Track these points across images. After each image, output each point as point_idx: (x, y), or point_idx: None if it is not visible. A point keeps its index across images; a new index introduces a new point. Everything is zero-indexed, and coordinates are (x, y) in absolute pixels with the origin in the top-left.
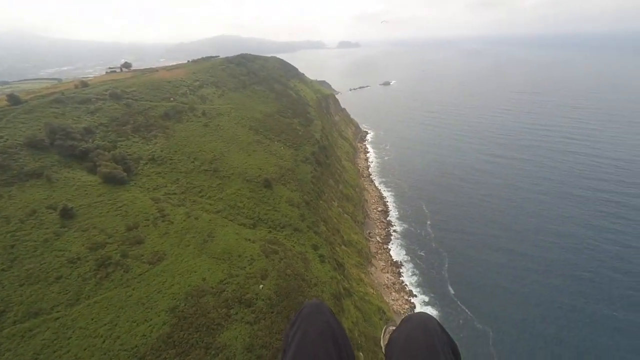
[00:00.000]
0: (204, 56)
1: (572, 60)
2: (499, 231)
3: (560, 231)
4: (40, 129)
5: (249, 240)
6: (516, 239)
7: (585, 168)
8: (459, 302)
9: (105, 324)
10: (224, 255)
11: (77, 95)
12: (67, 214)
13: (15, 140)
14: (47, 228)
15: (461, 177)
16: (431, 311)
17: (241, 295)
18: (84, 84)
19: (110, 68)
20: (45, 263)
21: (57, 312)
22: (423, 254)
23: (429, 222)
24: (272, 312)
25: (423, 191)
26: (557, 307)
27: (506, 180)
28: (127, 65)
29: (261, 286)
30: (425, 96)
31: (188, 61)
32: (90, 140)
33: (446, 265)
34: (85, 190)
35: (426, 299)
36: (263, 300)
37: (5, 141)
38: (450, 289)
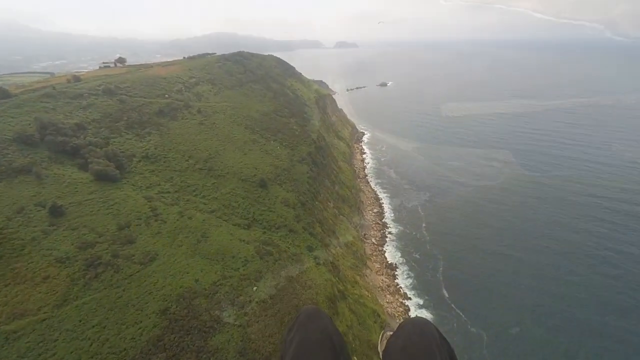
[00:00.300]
0: (200, 53)
1: (562, 63)
2: (494, 235)
3: (553, 235)
4: (30, 124)
5: (244, 241)
6: (510, 243)
7: (575, 173)
8: (453, 306)
9: (93, 326)
10: (217, 256)
11: (69, 90)
12: (56, 212)
13: (4, 135)
14: (35, 226)
15: (456, 180)
16: (425, 314)
17: (234, 298)
18: (77, 78)
19: (104, 63)
20: (32, 262)
21: (44, 313)
22: (418, 257)
23: (424, 225)
24: (265, 315)
25: (418, 193)
26: (550, 311)
27: (501, 184)
28: (121, 60)
29: (255, 288)
30: (421, 98)
31: (184, 57)
32: (81, 137)
33: (441, 269)
34: (76, 188)
35: (421, 301)
36: (257, 302)
37: None
38: (444, 292)
